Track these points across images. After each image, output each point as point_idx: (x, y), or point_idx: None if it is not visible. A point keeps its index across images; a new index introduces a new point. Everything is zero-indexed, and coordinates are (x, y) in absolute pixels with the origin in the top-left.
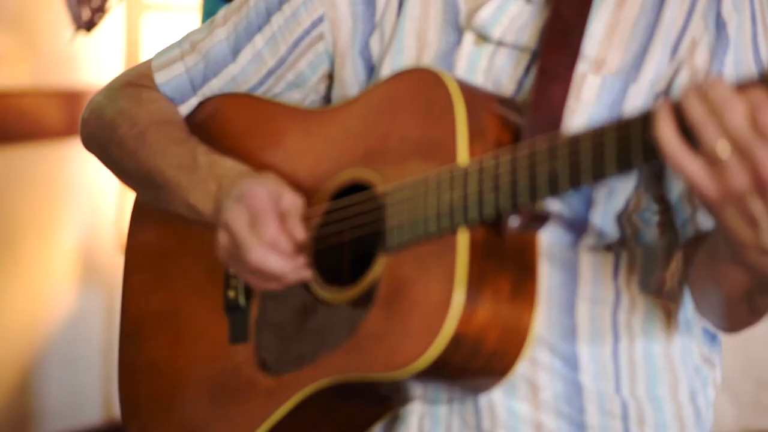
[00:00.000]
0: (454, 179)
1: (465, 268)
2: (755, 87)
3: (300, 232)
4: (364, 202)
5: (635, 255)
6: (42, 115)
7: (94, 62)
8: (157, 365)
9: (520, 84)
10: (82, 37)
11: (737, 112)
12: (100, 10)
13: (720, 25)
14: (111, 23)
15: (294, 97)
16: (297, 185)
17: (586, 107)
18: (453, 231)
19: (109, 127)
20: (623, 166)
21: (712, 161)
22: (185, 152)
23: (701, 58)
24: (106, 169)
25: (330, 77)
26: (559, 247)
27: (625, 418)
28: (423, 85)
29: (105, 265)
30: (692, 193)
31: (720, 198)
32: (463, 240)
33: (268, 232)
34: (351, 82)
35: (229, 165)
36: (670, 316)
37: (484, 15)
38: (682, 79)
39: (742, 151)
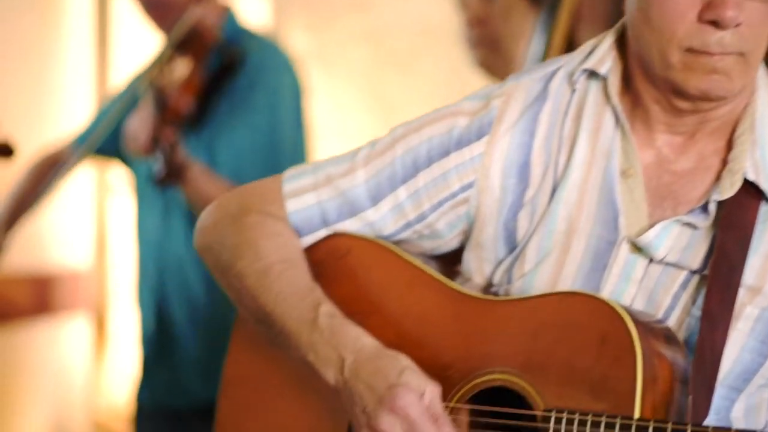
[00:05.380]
0: None
1: None
2: None
3: None
4: (520, 417)
5: None
6: (11, 297)
7: (63, 245)
8: None
9: (675, 298)
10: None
11: None
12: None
13: None
14: (79, 207)
15: (424, 246)
16: (439, 368)
17: (740, 336)
18: None
19: (230, 254)
20: None
21: None
22: (307, 307)
23: None
24: (77, 347)
25: (465, 233)
26: None
27: None
28: (601, 318)
29: None
30: None
31: None
32: None
33: None
34: (489, 247)
35: (351, 335)
36: None
37: (650, 236)
38: None
39: None
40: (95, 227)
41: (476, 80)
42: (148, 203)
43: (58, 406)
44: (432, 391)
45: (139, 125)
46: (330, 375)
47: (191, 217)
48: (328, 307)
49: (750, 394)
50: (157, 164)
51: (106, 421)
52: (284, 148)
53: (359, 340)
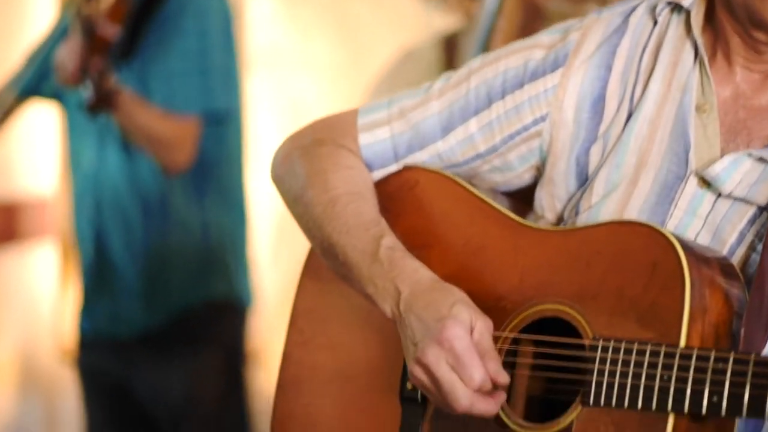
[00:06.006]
0: (675, 365)
1: None
2: None
3: (504, 378)
4: (569, 346)
5: None
6: None
7: (29, 172)
8: (314, 423)
9: (741, 234)
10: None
11: None
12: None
13: None
14: (44, 133)
15: (495, 179)
16: (494, 299)
17: None
18: (659, 411)
19: (301, 184)
20: None
21: None
22: (369, 239)
23: None
24: (44, 274)
25: (537, 169)
26: None
27: None
28: (652, 246)
29: (44, 372)
30: None
31: None
32: (670, 425)
33: (475, 378)
34: (560, 182)
35: (409, 268)
36: None
37: (717, 169)
38: None
39: None
40: (61, 153)
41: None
42: (82, 135)
43: (25, 332)
44: (482, 325)
45: (67, 55)
46: (387, 308)
47: (126, 148)
48: (389, 240)
49: None
50: (87, 92)
51: (74, 347)
52: (215, 72)
53: (416, 272)
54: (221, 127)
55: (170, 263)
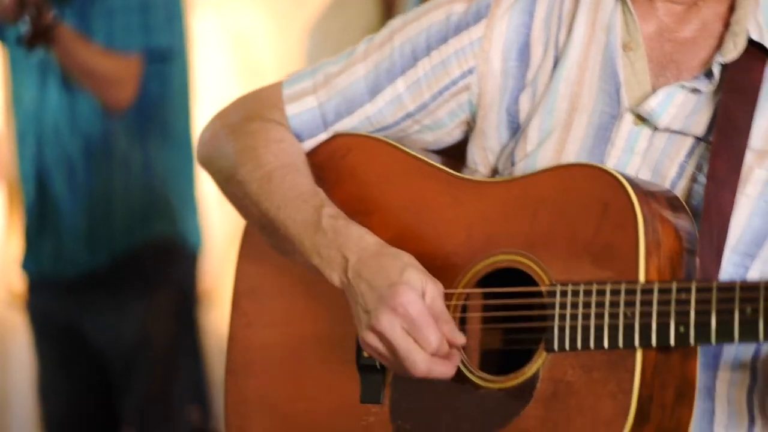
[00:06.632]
0: (637, 301)
1: (638, 389)
2: None
3: (460, 338)
4: (527, 294)
5: None
6: None
7: None
8: (271, 403)
9: (681, 167)
10: None
11: None
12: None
13: None
14: None
15: (426, 139)
16: (443, 257)
17: (749, 201)
18: (626, 348)
19: (232, 162)
20: None
21: None
22: (310, 210)
23: None
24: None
25: (467, 123)
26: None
27: None
28: (600, 186)
29: None
30: None
31: None
32: (639, 360)
33: (432, 341)
34: (491, 134)
35: (354, 235)
36: None
37: (652, 104)
38: None
39: None
40: (4, 91)
41: None
42: (23, 73)
43: None
44: (433, 289)
45: None
46: (335, 277)
47: (68, 86)
48: (330, 209)
49: (765, 260)
50: (24, 26)
51: (23, 291)
52: (157, 9)
53: (362, 239)
54: (164, 65)
55: (113, 203)
